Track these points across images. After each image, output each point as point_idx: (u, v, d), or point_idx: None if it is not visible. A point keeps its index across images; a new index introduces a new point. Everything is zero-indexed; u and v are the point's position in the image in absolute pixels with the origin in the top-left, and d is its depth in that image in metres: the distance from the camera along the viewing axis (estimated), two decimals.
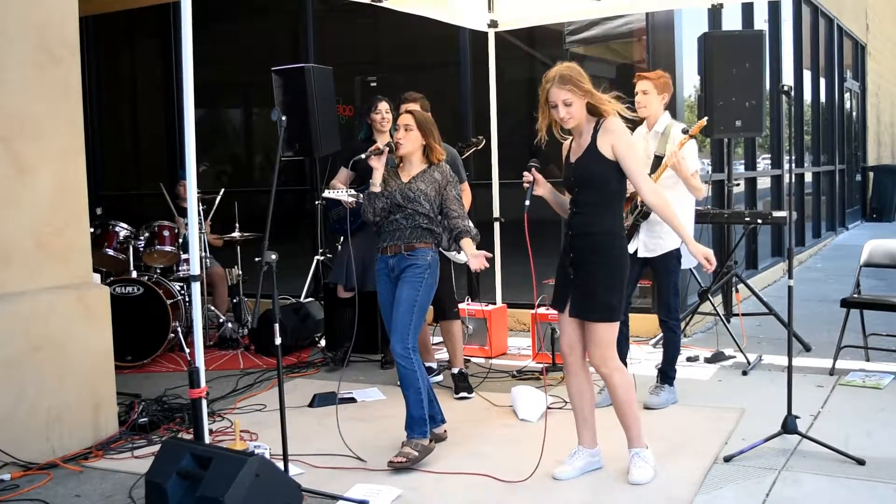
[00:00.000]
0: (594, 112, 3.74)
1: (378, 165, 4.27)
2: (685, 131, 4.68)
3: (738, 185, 8.61)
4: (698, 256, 3.77)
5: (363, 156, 4.33)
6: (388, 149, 4.32)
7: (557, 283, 3.91)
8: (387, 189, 4.30)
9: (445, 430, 4.38)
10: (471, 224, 4.35)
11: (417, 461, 4.02)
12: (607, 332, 3.73)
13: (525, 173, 3.89)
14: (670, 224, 3.81)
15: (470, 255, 4.19)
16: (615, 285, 3.73)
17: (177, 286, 6.58)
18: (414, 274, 4.17)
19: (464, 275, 6.59)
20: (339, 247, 6.26)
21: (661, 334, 5.13)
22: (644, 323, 6.49)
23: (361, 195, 4.93)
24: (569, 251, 3.79)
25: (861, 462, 3.88)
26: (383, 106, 5.71)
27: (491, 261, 6.80)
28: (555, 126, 3.80)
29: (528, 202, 3.81)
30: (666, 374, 4.98)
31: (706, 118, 4.96)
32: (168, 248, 6.77)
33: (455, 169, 5.43)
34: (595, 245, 3.72)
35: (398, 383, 5.50)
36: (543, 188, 3.93)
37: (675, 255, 4.86)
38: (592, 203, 3.74)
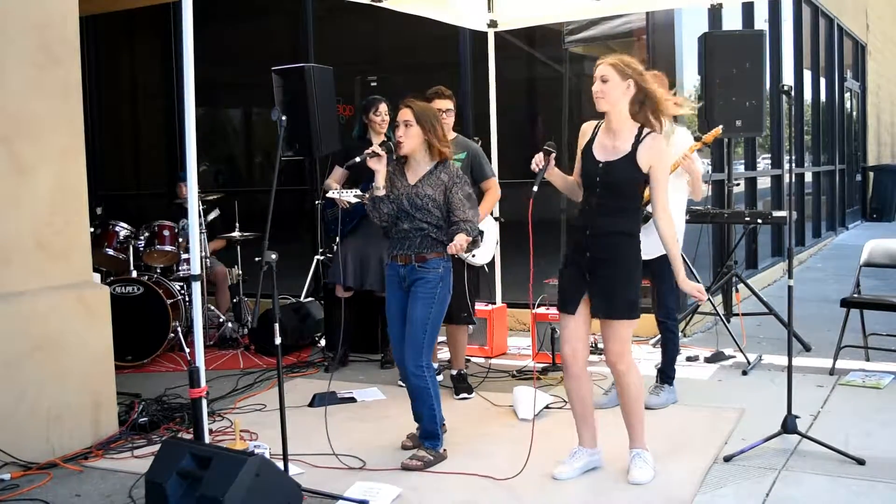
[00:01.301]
0: (638, 116, 3.68)
1: (379, 167, 4.03)
2: (697, 138, 4.67)
3: (738, 185, 8.61)
4: (691, 292, 3.72)
5: (358, 159, 4.10)
6: (385, 150, 4.05)
7: (567, 285, 3.81)
8: (393, 191, 4.07)
9: (445, 430, 4.38)
10: (476, 225, 4.11)
11: (431, 465, 4.04)
12: (628, 328, 3.76)
13: (539, 155, 3.75)
14: (669, 251, 3.75)
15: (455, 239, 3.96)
16: (636, 283, 3.75)
17: (177, 286, 6.58)
18: (426, 289, 4.00)
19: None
20: (336, 247, 6.26)
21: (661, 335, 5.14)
22: (644, 323, 6.45)
23: (366, 195, 4.90)
24: (584, 251, 3.73)
25: (861, 462, 3.88)
26: (383, 108, 5.66)
27: (491, 261, 6.84)
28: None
29: (535, 188, 3.69)
30: (666, 374, 4.99)
31: (721, 126, 4.93)
32: (168, 248, 6.77)
33: (479, 164, 5.28)
34: (616, 244, 3.70)
35: (398, 383, 5.54)
36: (553, 173, 3.82)
37: None
38: (616, 206, 3.71)
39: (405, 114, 4.06)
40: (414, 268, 4.04)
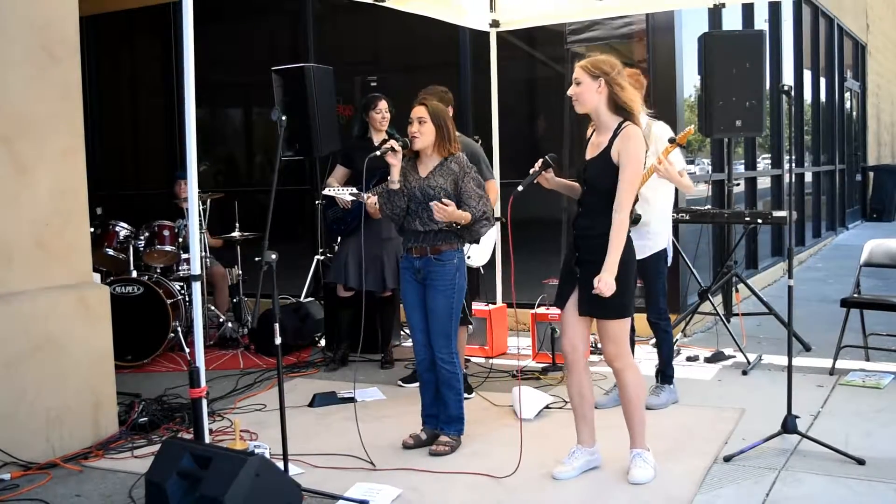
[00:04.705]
0: (621, 111, 3.68)
1: (395, 162, 4.15)
2: (672, 140, 4.65)
3: (738, 185, 8.61)
4: (604, 287, 3.59)
5: (378, 153, 4.18)
6: (402, 146, 4.18)
7: (561, 280, 3.90)
8: (406, 185, 4.20)
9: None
10: (489, 214, 4.22)
11: (456, 449, 4.21)
12: (620, 327, 3.75)
13: (539, 162, 3.82)
14: (610, 244, 3.62)
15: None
16: (622, 283, 3.70)
17: (177, 286, 6.58)
18: (444, 281, 4.16)
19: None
20: (336, 247, 6.27)
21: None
22: (641, 324, 6.46)
23: (362, 194, 4.91)
24: (574, 250, 3.79)
25: (861, 462, 3.88)
26: (383, 105, 5.70)
27: (492, 261, 6.84)
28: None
29: (521, 188, 3.74)
30: (665, 374, 4.99)
31: (693, 126, 4.94)
32: (168, 248, 6.76)
33: (478, 165, 5.34)
34: (599, 246, 3.68)
35: (398, 383, 5.55)
36: (553, 184, 3.89)
37: (662, 258, 4.86)
38: (597, 206, 3.71)
39: (420, 111, 4.20)
40: (430, 259, 4.18)
